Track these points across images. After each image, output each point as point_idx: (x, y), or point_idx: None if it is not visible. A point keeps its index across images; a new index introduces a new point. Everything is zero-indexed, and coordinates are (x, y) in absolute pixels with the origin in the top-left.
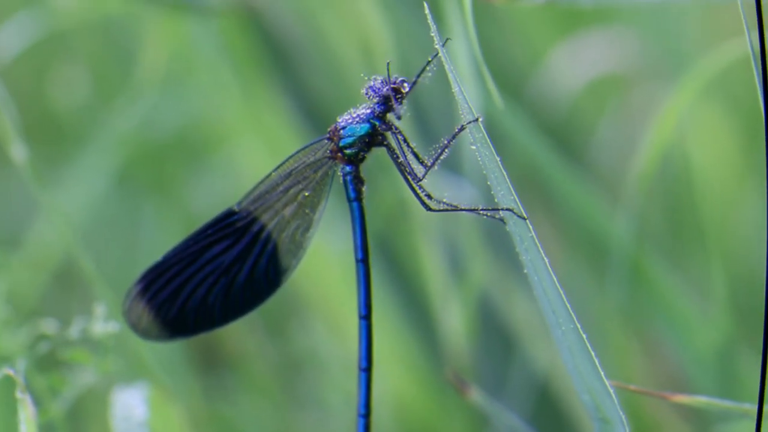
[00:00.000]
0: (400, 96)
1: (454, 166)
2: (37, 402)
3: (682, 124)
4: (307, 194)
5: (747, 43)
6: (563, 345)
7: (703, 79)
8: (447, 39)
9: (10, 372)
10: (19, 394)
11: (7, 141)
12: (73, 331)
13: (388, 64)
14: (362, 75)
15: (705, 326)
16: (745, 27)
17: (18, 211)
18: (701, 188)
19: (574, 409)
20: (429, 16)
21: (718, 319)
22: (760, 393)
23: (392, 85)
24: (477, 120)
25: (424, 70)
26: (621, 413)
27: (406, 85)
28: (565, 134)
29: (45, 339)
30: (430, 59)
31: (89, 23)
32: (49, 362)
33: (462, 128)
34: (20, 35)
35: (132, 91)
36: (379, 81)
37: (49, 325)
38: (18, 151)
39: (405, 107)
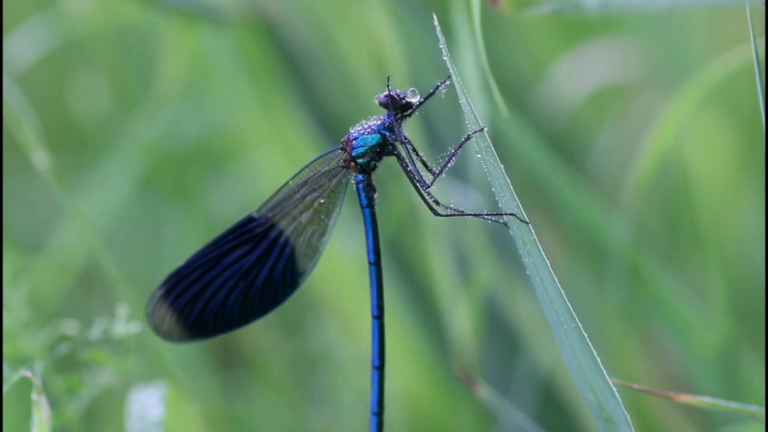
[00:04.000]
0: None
1: (460, 174)
2: (54, 403)
3: (681, 131)
4: (322, 201)
5: (747, 53)
6: (565, 343)
7: (703, 87)
8: (449, 76)
9: (27, 374)
10: (33, 397)
11: (29, 147)
12: (94, 332)
13: (388, 78)
14: (373, 90)
15: (704, 327)
16: (751, 34)
17: (40, 216)
18: (699, 193)
19: (578, 405)
20: (437, 29)
21: (717, 319)
22: (767, 394)
23: (400, 99)
24: (482, 130)
25: (434, 91)
26: (624, 411)
27: (411, 97)
28: (567, 142)
29: (66, 340)
30: (440, 83)
31: (106, 32)
32: (69, 363)
33: (468, 138)
34: (36, 43)
35: (152, 101)
36: (386, 95)
37: (70, 327)
38: (40, 158)
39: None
